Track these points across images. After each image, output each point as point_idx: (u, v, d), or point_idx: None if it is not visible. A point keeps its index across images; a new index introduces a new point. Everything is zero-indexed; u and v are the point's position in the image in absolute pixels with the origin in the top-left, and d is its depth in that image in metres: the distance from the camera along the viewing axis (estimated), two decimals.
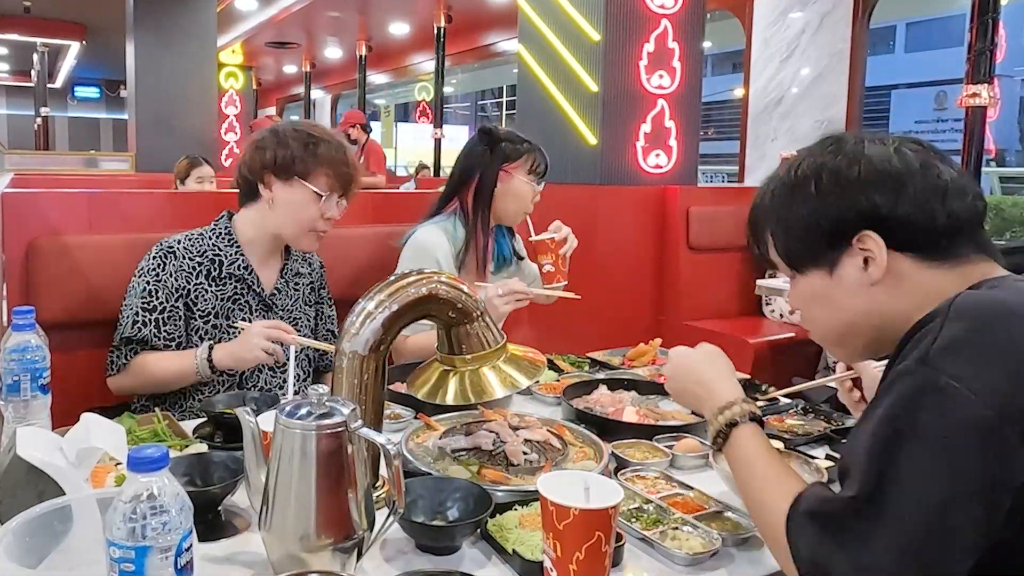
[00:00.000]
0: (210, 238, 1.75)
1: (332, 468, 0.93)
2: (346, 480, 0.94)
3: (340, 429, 0.93)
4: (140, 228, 1.96)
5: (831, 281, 0.95)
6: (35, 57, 12.60)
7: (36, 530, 0.87)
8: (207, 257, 1.73)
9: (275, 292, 1.79)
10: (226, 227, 1.76)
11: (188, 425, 1.44)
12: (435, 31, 8.66)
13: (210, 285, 1.72)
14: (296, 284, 1.85)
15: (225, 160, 10.88)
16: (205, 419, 1.44)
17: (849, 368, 1.23)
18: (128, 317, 1.68)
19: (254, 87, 13.55)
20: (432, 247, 2.00)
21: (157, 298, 1.68)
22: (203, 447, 1.31)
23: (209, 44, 8.04)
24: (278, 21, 9.96)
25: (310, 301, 1.88)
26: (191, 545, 0.75)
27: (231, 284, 1.74)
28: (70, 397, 1.59)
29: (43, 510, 0.89)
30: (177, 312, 1.69)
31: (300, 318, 1.84)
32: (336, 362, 1.12)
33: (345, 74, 13.27)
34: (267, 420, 1.07)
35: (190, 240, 1.74)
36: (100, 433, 1.10)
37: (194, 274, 1.71)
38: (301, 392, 1.67)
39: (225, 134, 11.42)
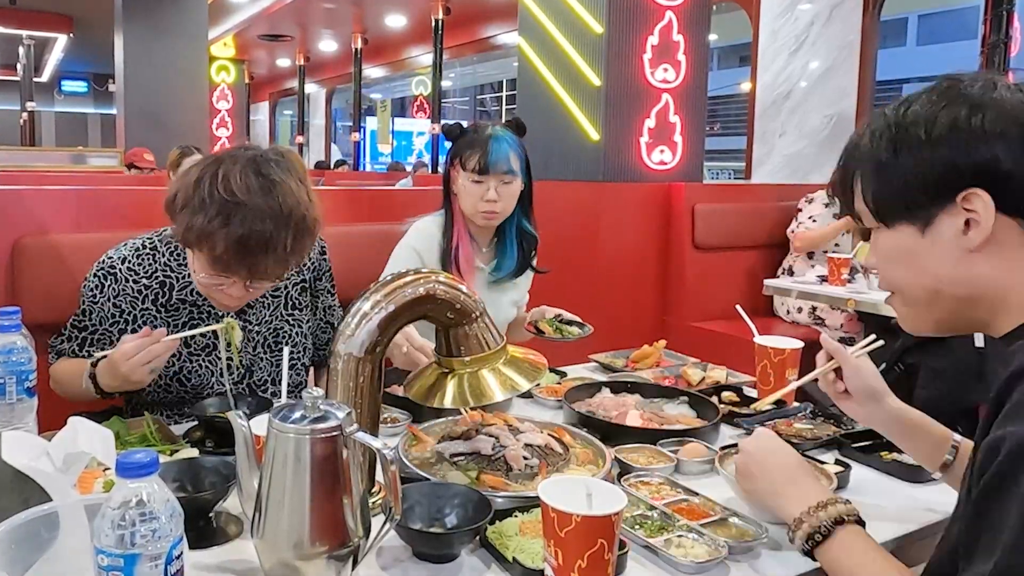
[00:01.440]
0: (163, 256, 1.61)
1: (327, 473, 0.93)
2: (341, 486, 0.94)
3: (335, 433, 0.93)
4: (129, 226, 1.96)
5: (922, 240, 0.88)
6: (21, 50, 12.61)
7: (21, 538, 0.87)
8: (156, 279, 1.59)
9: (245, 308, 1.64)
10: (179, 244, 1.57)
11: (180, 429, 1.44)
12: (433, 23, 8.67)
13: (159, 312, 1.59)
14: (274, 290, 1.68)
15: None
16: (196, 423, 1.44)
17: (830, 359, 1.22)
18: (68, 322, 1.64)
19: (246, 81, 13.57)
20: (419, 239, 2.02)
21: (90, 319, 1.61)
22: (194, 452, 1.31)
23: (200, 37, 8.05)
24: (271, 13, 9.97)
25: (299, 304, 1.73)
26: (181, 553, 0.75)
27: (185, 309, 1.60)
28: (57, 400, 1.59)
29: (28, 517, 0.89)
30: (109, 337, 1.59)
31: (284, 326, 1.70)
32: (331, 364, 1.12)
33: (340, 68, 13.27)
34: (259, 424, 1.07)
35: (138, 257, 1.60)
36: (88, 437, 1.10)
37: (139, 299, 1.59)
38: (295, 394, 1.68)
39: (216, 129, 11.43)
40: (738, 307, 1.89)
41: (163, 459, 1.27)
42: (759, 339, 1.68)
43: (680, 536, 1.09)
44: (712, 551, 1.05)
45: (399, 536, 1.05)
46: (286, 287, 1.72)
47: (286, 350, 1.36)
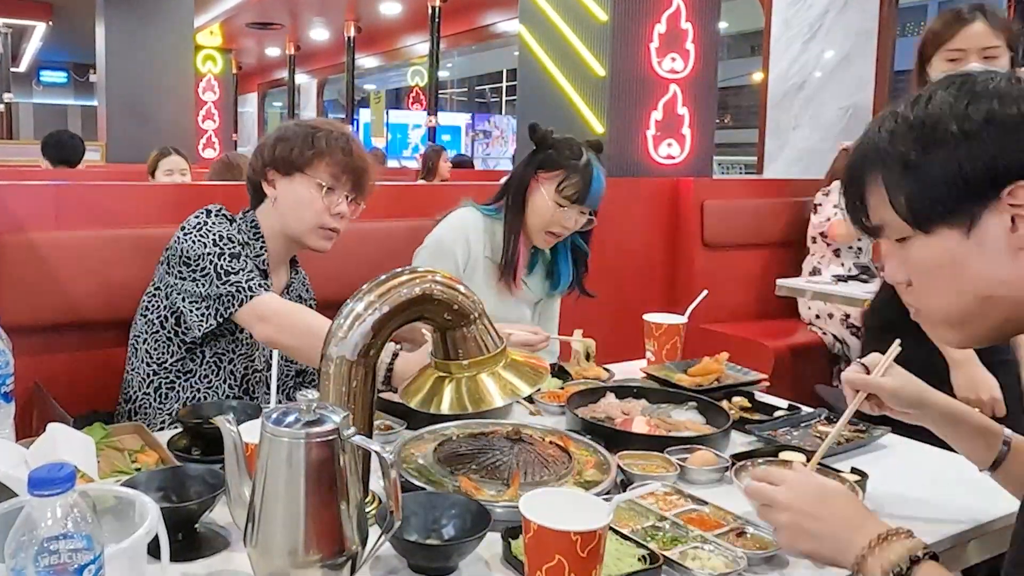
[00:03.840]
0: (240, 226, 1.74)
1: (322, 479, 0.93)
2: (338, 492, 0.94)
3: (331, 437, 0.93)
4: (112, 223, 1.97)
5: (968, 243, 0.84)
6: None
7: None
8: (240, 241, 1.70)
9: None
10: (253, 220, 1.76)
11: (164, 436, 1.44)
12: (429, 11, 8.67)
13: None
14: (299, 300, 1.86)
15: (203, 150, 10.89)
16: (180, 430, 1.44)
17: (859, 389, 1.20)
18: (217, 279, 1.60)
19: (234, 71, 13.57)
20: (466, 226, 2.03)
21: (240, 262, 1.63)
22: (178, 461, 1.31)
23: (185, 25, 8.05)
24: (260, 0, 9.97)
25: None
26: (101, 567, 0.75)
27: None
28: (36, 405, 1.59)
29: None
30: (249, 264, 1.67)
31: None
32: (323, 368, 1.12)
33: (332, 57, 13.28)
34: (248, 431, 1.07)
35: (238, 229, 1.73)
36: (68, 445, 1.10)
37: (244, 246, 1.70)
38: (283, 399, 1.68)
39: (203, 122, 11.42)
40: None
41: (147, 468, 1.28)
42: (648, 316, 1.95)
43: (695, 548, 1.09)
44: (729, 562, 1.05)
45: (394, 547, 1.05)
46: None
47: (275, 354, 1.36)
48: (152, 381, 1.73)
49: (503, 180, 2.14)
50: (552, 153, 2.00)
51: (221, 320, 1.61)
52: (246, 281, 1.60)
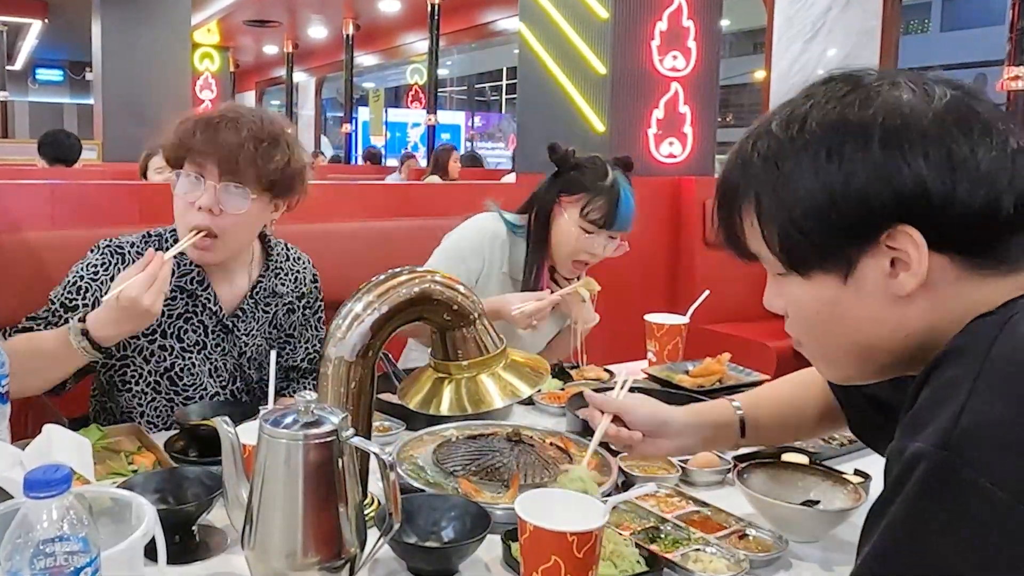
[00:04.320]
0: (167, 241, 1.62)
1: (321, 481, 0.93)
2: (336, 493, 0.94)
3: (330, 439, 0.93)
4: (108, 223, 1.96)
5: (846, 291, 0.75)
6: None
7: None
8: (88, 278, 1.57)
9: (238, 314, 1.66)
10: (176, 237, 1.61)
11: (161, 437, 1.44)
12: (428, 8, 8.67)
13: None
14: (268, 304, 1.71)
15: None
16: (177, 431, 1.44)
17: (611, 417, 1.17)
18: (44, 307, 1.56)
19: (231, 69, 13.57)
20: (486, 235, 1.96)
21: (83, 298, 1.55)
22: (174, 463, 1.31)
23: (182, 23, 8.05)
24: None
25: (283, 324, 1.74)
26: (97, 569, 0.75)
27: (182, 299, 1.61)
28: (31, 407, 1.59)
29: None
30: None
31: (263, 345, 1.70)
32: (321, 369, 1.12)
33: (330, 55, 13.27)
34: (246, 432, 1.07)
35: (145, 243, 1.62)
36: (63, 447, 1.10)
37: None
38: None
39: None
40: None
41: (144, 470, 1.28)
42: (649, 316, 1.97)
43: (697, 550, 1.09)
44: (732, 565, 1.05)
45: (393, 550, 1.05)
46: (276, 306, 1.72)
47: (272, 354, 1.36)
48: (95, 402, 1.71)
49: (533, 192, 2.03)
50: (575, 175, 1.91)
51: None
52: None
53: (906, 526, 0.64)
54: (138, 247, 1.61)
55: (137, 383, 1.62)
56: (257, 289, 1.69)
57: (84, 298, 1.56)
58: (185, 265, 1.61)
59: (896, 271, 0.72)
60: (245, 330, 1.67)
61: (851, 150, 0.71)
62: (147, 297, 1.35)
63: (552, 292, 1.90)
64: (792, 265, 0.78)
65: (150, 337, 1.60)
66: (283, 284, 1.74)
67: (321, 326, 1.83)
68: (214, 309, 1.63)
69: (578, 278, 1.96)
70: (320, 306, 1.82)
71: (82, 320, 1.41)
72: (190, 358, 1.62)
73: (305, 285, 1.78)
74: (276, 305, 1.73)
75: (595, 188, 1.88)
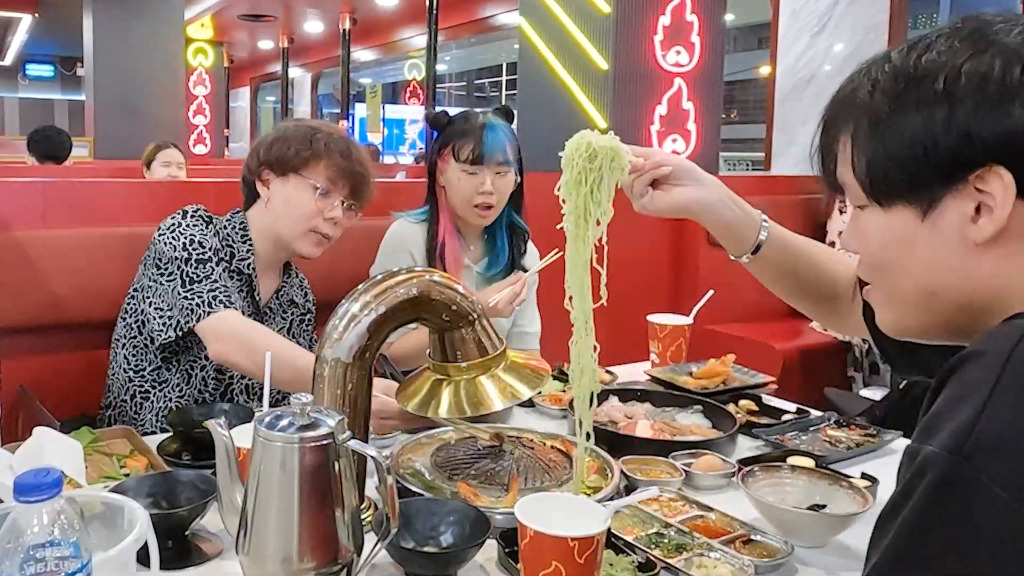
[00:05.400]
0: (224, 228, 1.74)
1: (317, 484, 0.93)
2: (333, 498, 0.94)
3: (326, 442, 0.93)
4: (100, 221, 1.97)
5: (921, 227, 0.75)
6: None
7: None
8: (220, 239, 1.72)
9: (267, 310, 1.80)
10: (241, 221, 1.76)
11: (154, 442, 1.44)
12: (427, 2, 8.66)
13: (223, 268, 1.69)
14: (286, 312, 1.85)
15: (194, 146, 10.88)
16: (171, 434, 1.44)
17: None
18: (184, 293, 1.59)
19: (225, 65, 13.56)
20: (403, 240, 2.02)
21: (210, 251, 1.65)
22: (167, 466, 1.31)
23: (175, 17, 8.06)
24: None
25: (295, 333, 1.88)
26: (89, 575, 0.75)
27: (236, 280, 1.72)
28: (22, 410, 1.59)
29: None
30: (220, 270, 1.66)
31: None
32: (317, 370, 1.12)
33: (327, 50, 13.27)
34: (240, 435, 1.07)
35: (219, 220, 1.75)
36: (54, 450, 1.10)
37: (215, 252, 1.68)
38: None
39: (193, 117, 11.43)
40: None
41: (136, 473, 1.28)
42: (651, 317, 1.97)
43: (701, 555, 1.09)
44: (736, 571, 1.05)
45: (390, 555, 1.05)
46: (292, 315, 1.87)
47: (268, 355, 1.36)
48: (128, 388, 1.73)
49: None
50: (448, 130, 2.02)
51: (180, 333, 1.60)
52: (208, 293, 1.58)
53: (916, 533, 0.63)
54: (219, 226, 1.73)
55: (188, 383, 1.72)
56: (281, 292, 1.83)
57: (207, 268, 1.62)
58: (244, 251, 1.73)
59: (978, 216, 0.72)
60: (271, 325, 1.78)
61: (966, 88, 0.71)
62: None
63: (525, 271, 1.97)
64: (874, 194, 0.78)
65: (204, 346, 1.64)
66: (297, 296, 1.88)
67: (314, 337, 1.94)
68: (256, 298, 1.75)
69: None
70: (315, 325, 1.95)
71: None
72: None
73: (310, 301, 1.93)
74: (293, 314, 1.87)
75: (462, 131, 2.00)
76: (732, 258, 1.25)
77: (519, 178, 2.04)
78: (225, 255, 1.71)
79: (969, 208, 0.72)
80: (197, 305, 1.56)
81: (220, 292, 1.59)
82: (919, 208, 0.75)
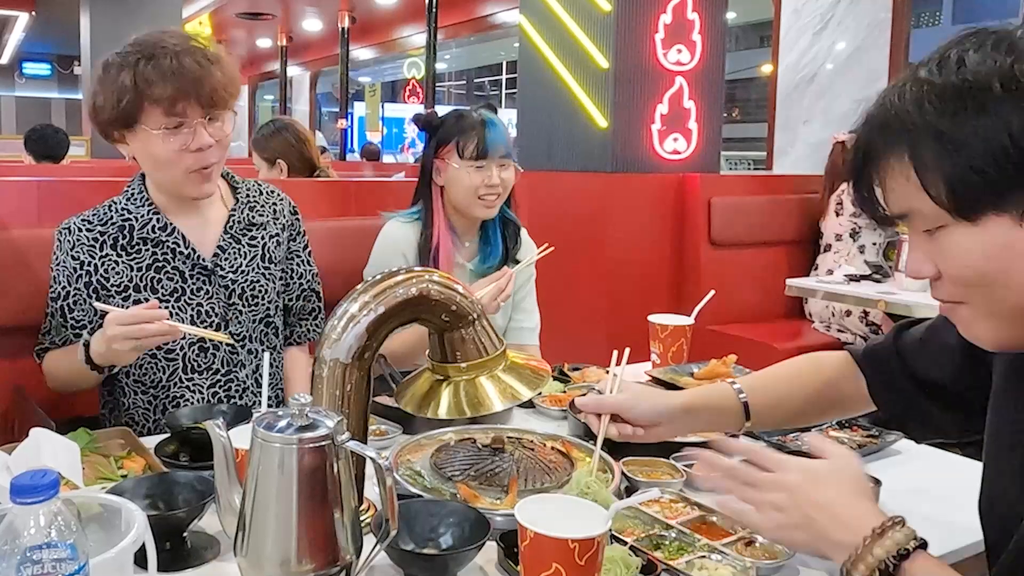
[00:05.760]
0: (120, 203, 1.67)
1: (316, 486, 0.93)
2: (331, 499, 0.94)
3: (325, 443, 0.93)
4: None
5: (1019, 231, 0.75)
6: None
7: None
8: (113, 224, 1.65)
9: (218, 252, 1.68)
10: (139, 187, 1.67)
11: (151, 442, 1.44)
12: (426, 0, 8.66)
13: (120, 255, 1.64)
14: (252, 238, 1.73)
15: None
16: (168, 435, 1.44)
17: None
18: (46, 314, 1.66)
19: None
20: (396, 241, 2.03)
21: (59, 283, 1.64)
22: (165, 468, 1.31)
23: (173, 15, 8.06)
24: None
25: (274, 258, 1.75)
26: None
27: (148, 250, 1.64)
28: (18, 410, 1.59)
29: None
30: (80, 295, 1.63)
31: (260, 280, 1.72)
32: (315, 371, 1.12)
33: (326, 49, 13.27)
34: (239, 436, 1.07)
35: (94, 211, 1.67)
36: (51, 451, 1.10)
37: (97, 246, 1.64)
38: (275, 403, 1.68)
39: None
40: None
41: (134, 475, 1.28)
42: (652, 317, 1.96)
43: (702, 558, 1.09)
44: (738, 573, 1.05)
45: (389, 557, 1.05)
46: (262, 238, 1.75)
47: (266, 356, 1.36)
48: (105, 401, 1.73)
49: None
50: (442, 129, 2.04)
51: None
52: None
53: None
54: (85, 216, 1.66)
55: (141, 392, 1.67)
56: (230, 223, 1.71)
57: (59, 283, 1.64)
58: (145, 215, 1.64)
59: None
60: (231, 267, 1.69)
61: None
62: (112, 329, 1.43)
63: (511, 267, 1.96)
64: (961, 210, 0.77)
65: (124, 295, 1.63)
66: (259, 215, 1.76)
67: (312, 261, 1.87)
68: (187, 252, 1.65)
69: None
70: (306, 240, 1.86)
71: (90, 333, 1.53)
72: (167, 307, 1.60)
73: (285, 217, 1.81)
74: (262, 237, 1.75)
75: (462, 129, 2.01)
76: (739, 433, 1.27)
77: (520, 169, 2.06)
78: (112, 239, 1.64)
79: None
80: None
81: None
82: (1014, 213, 0.75)
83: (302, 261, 1.84)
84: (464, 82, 24.41)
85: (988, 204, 0.75)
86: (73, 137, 5.85)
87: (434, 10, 8.60)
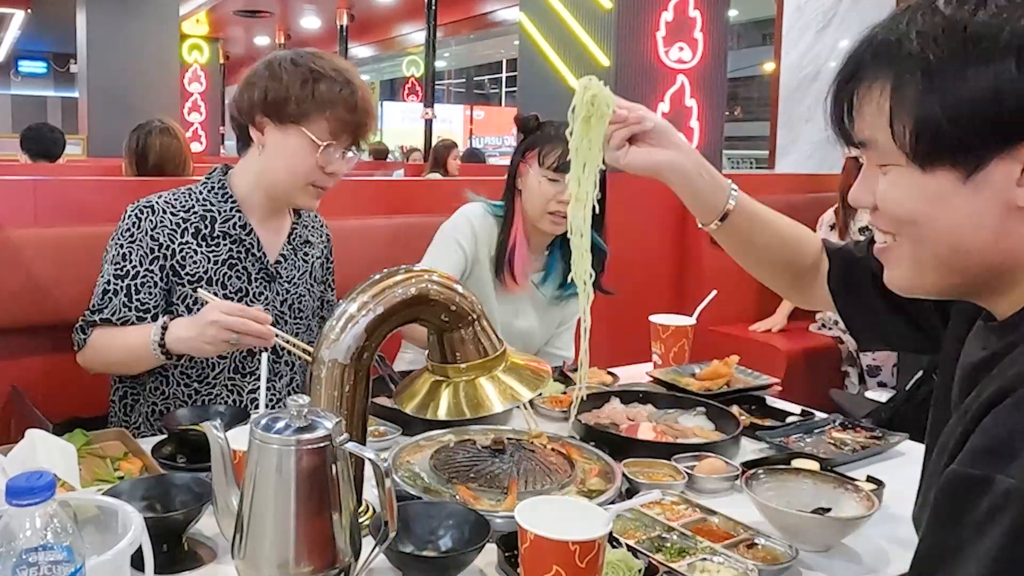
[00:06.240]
0: (200, 193, 1.68)
1: (314, 488, 0.93)
2: (330, 501, 0.94)
3: (323, 444, 0.93)
4: (93, 220, 1.96)
5: (961, 188, 0.74)
6: None
7: None
8: (195, 213, 1.65)
9: (280, 260, 1.72)
10: (220, 180, 1.69)
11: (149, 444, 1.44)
12: None
13: (199, 245, 1.64)
14: (306, 254, 1.79)
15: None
16: (166, 436, 1.44)
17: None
18: (99, 287, 1.62)
19: (221, 61, 13.58)
20: (474, 226, 2.03)
21: (129, 261, 1.61)
22: (162, 469, 1.31)
23: (170, 13, 8.06)
24: None
25: (318, 278, 1.83)
26: None
27: (226, 245, 1.66)
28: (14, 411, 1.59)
29: None
30: (152, 277, 1.61)
31: (306, 295, 1.77)
32: (314, 371, 1.12)
33: (324, 47, 13.20)
34: (237, 437, 1.07)
35: (175, 195, 1.67)
36: (47, 452, 1.10)
37: (178, 232, 1.63)
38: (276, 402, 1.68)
39: (188, 114, 11.42)
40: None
41: (131, 476, 1.28)
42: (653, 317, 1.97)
43: (704, 560, 1.09)
44: (740, 575, 1.05)
45: (388, 560, 1.05)
46: (313, 256, 1.82)
47: (265, 356, 1.36)
48: (118, 389, 1.73)
49: None
50: (540, 135, 2.03)
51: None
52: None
53: (1001, 567, 0.62)
54: (167, 199, 1.66)
55: (167, 384, 1.67)
56: (293, 236, 1.76)
57: (130, 261, 1.62)
58: (227, 210, 1.67)
59: (1022, 181, 0.72)
60: (287, 277, 1.74)
61: None
62: (214, 315, 1.46)
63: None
64: (917, 157, 0.76)
65: (194, 285, 1.63)
66: (312, 236, 1.83)
67: (333, 286, 1.91)
68: (258, 255, 1.69)
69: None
70: (333, 267, 1.91)
71: (171, 318, 1.56)
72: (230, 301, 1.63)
73: (325, 243, 1.88)
74: (312, 256, 1.81)
75: (549, 137, 2.00)
76: (700, 226, 1.25)
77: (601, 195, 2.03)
78: (195, 227, 1.64)
79: (1015, 171, 0.72)
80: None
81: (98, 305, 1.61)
82: (963, 170, 0.74)
83: (331, 289, 1.90)
84: (464, 80, 24.42)
85: (946, 156, 0.74)
86: (69, 136, 5.85)
87: (433, 8, 8.61)
